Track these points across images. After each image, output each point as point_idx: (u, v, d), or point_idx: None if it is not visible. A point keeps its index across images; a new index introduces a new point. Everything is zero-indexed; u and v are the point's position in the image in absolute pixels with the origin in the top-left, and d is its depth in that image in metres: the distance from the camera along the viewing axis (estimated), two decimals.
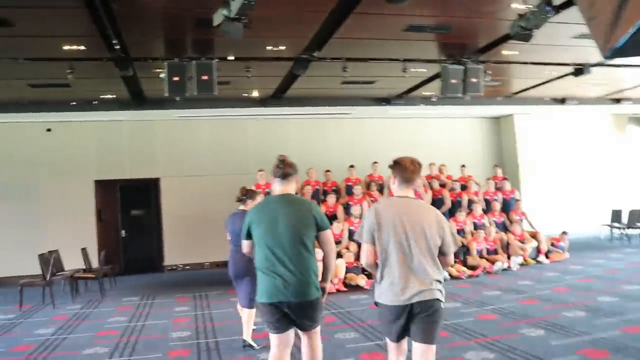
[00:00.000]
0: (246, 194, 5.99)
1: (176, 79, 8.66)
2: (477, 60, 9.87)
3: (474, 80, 9.84)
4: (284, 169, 3.91)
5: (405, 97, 12.85)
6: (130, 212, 13.57)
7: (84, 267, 10.41)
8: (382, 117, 14.52)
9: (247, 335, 5.76)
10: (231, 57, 8.96)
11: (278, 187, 3.94)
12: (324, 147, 14.16)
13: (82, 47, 8.00)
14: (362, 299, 8.21)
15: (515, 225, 11.25)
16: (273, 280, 3.65)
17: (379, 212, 3.47)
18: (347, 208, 10.92)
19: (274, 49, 8.63)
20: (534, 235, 11.42)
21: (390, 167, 3.62)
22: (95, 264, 11.61)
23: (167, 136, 13.35)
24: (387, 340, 3.53)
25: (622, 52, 2.42)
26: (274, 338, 3.75)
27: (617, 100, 15.05)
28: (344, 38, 8.24)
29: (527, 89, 12.96)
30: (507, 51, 9.59)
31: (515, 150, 15.52)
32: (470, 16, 7.71)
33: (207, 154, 13.54)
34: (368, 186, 11.41)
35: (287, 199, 3.88)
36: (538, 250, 11.30)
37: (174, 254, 13.16)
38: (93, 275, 9.67)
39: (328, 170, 11.74)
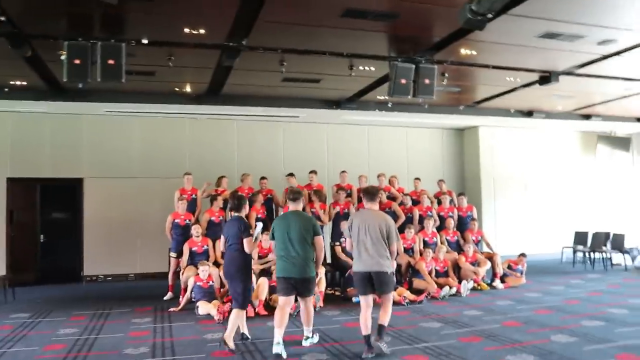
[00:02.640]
0: (239, 203, 6.46)
1: (77, 62, 7.37)
2: (431, 60, 8.80)
3: (426, 81, 8.74)
4: (294, 195, 6.23)
5: (357, 100, 11.70)
6: (51, 215, 12.20)
7: None
8: (333, 122, 13.42)
9: (228, 335, 5.89)
10: (145, 41, 7.71)
11: (291, 206, 6.17)
12: (269, 152, 13.02)
13: None
14: None
15: (467, 246, 10.16)
16: (286, 263, 5.87)
17: (354, 217, 6.06)
18: None
19: (193, 32, 7.42)
20: (490, 257, 10.34)
21: (361, 193, 6.40)
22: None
23: (93, 133, 11.99)
24: (360, 296, 5.86)
25: None
26: (282, 299, 5.93)
27: (587, 117, 14.16)
28: (271, 22, 7.09)
29: (491, 97, 11.92)
30: (465, 50, 8.53)
31: (478, 165, 14.51)
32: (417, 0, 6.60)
33: (137, 154, 12.23)
34: (309, 197, 10.21)
35: (297, 214, 6.11)
36: (494, 274, 10.24)
37: (94, 264, 11.76)
38: None
39: (263, 178, 10.52)
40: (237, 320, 6.01)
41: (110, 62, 7.42)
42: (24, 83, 9.92)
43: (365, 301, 5.74)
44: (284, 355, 5.56)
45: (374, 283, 5.66)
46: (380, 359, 5.52)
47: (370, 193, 6.01)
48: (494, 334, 6.43)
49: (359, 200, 10.57)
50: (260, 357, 5.72)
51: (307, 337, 6.10)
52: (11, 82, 9.92)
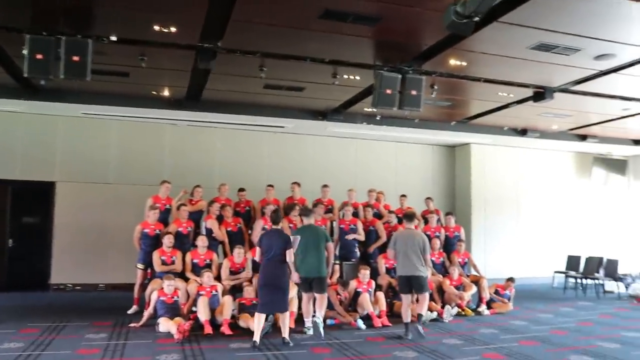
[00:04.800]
0: (277, 218, 7.47)
1: (39, 56, 6.92)
2: (419, 70, 8.35)
3: (413, 92, 8.23)
4: (306, 211, 8.10)
5: (344, 112, 11.20)
6: (21, 219, 11.68)
7: None
8: (320, 134, 12.95)
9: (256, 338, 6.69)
10: (114, 38, 7.25)
11: (305, 220, 7.88)
12: (252, 163, 12.55)
13: None
14: (241, 351, 6.42)
15: (453, 268, 9.65)
16: (307, 265, 7.35)
17: (396, 235, 7.94)
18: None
19: (164, 30, 6.96)
20: (476, 281, 9.84)
21: (403, 218, 8.42)
22: None
23: (69, 135, 11.49)
24: (402, 295, 7.66)
25: None
26: (305, 295, 7.58)
27: (583, 137, 13.69)
28: (245, 22, 6.64)
29: (483, 113, 11.46)
30: (455, 60, 8.09)
31: (469, 183, 14.03)
32: (401, 2, 6.15)
33: (114, 159, 11.73)
34: (287, 210, 9.69)
35: (311, 227, 7.77)
36: (480, 299, 9.73)
37: (63, 271, 11.19)
38: None
39: (241, 190, 10.05)
40: (261, 324, 6.77)
41: (75, 58, 6.93)
42: None
43: (406, 299, 7.55)
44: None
45: (413, 285, 7.49)
46: None
47: (408, 217, 8.05)
48: None
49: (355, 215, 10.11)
50: None
51: (314, 317, 7.44)
52: None
